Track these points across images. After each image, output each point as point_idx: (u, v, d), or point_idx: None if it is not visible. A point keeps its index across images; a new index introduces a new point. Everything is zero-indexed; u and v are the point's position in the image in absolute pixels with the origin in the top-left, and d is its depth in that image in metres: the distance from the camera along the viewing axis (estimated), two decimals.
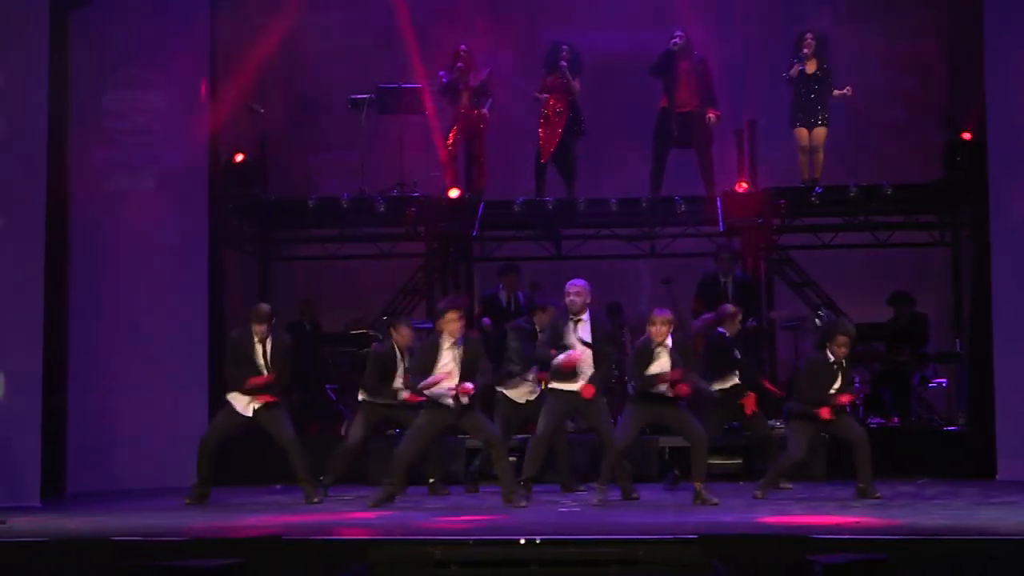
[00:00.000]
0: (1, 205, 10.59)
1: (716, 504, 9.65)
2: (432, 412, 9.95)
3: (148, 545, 7.78)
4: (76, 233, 11.83)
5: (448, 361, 9.87)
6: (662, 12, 14.49)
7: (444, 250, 13.96)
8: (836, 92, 13.28)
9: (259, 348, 10.42)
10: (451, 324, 9.91)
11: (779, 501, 9.95)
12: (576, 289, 10.15)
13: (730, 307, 11.25)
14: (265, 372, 10.37)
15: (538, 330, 10.78)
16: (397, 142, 13.93)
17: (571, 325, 10.09)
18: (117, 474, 11.85)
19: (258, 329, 10.40)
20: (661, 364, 9.85)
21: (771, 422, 11.31)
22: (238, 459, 11.44)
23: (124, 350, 12.00)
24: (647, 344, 9.90)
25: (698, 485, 9.84)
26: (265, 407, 10.34)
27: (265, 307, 10.64)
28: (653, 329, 9.87)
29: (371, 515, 9.36)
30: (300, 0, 14.31)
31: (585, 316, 10.12)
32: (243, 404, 10.38)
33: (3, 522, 8.81)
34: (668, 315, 9.96)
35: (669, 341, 9.86)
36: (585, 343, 10.02)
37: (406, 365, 10.65)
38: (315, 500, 10.30)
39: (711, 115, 13.50)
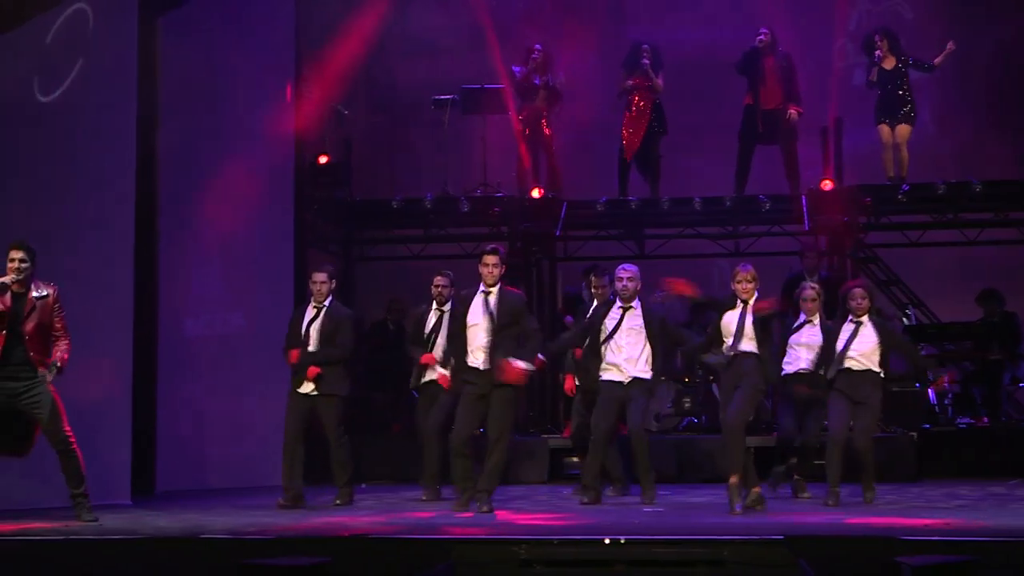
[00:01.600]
0: (93, 206, 10.75)
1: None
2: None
3: (236, 543, 7.86)
4: (165, 233, 12.02)
5: (479, 313, 9.36)
6: (745, 10, 14.44)
7: (528, 250, 13.98)
8: (937, 60, 13.14)
9: (310, 314, 10.05)
10: (485, 268, 9.38)
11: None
12: (629, 274, 9.94)
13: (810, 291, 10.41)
14: (313, 345, 9.94)
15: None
16: (480, 142, 13.98)
17: (618, 312, 9.88)
18: (206, 473, 12.00)
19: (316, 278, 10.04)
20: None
21: None
22: (323, 458, 11.47)
23: (212, 350, 12.15)
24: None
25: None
26: (324, 397, 9.97)
27: (327, 266, 10.28)
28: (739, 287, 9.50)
29: (456, 514, 9.37)
30: (384, 2, 14.41)
31: (635, 304, 9.90)
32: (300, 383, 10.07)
33: (95, 520, 8.95)
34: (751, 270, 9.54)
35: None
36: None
37: None
38: (337, 502, 10.06)
39: (792, 111, 13.42)
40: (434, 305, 10.76)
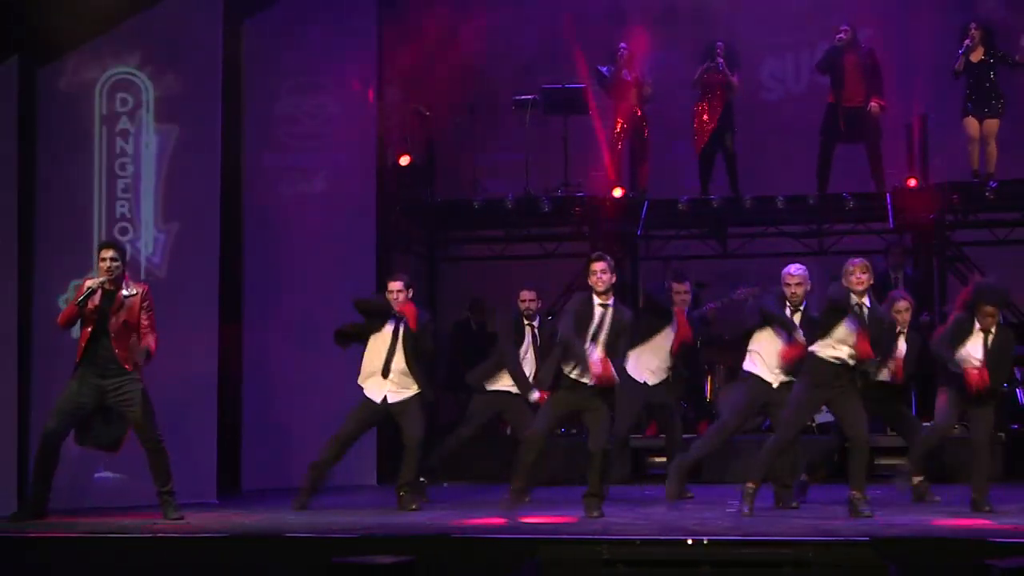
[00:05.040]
0: (178, 210, 10.88)
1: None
2: (566, 391, 9.18)
3: (320, 541, 7.93)
4: (249, 236, 12.14)
5: (596, 323, 9.03)
6: (829, 8, 14.30)
7: (610, 249, 13.90)
8: (1019, 57, 12.90)
9: (390, 325, 9.91)
10: (594, 276, 9.01)
11: (954, 504, 9.69)
12: (798, 279, 9.44)
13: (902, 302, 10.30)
14: (392, 350, 9.85)
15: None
16: (561, 142, 13.97)
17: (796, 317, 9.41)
18: (291, 471, 12.05)
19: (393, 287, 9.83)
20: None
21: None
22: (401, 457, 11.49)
23: (296, 350, 12.22)
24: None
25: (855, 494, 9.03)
26: (401, 399, 9.87)
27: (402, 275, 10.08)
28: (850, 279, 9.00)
29: (540, 514, 9.37)
30: (465, 3, 14.44)
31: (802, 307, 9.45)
32: (376, 390, 9.99)
33: (181, 518, 9.06)
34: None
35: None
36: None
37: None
38: (412, 507, 9.74)
39: (874, 103, 13.25)
40: (525, 321, 10.56)
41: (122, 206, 10.84)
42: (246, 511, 9.86)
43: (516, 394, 10.41)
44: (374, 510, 9.88)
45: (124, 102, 10.96)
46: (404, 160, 13.81)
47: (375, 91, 13.01)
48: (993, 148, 13.06)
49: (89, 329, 9.06)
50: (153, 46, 10.99)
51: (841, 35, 13.36)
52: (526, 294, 10.55)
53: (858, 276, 9.00)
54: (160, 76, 11.00)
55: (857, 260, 9.11)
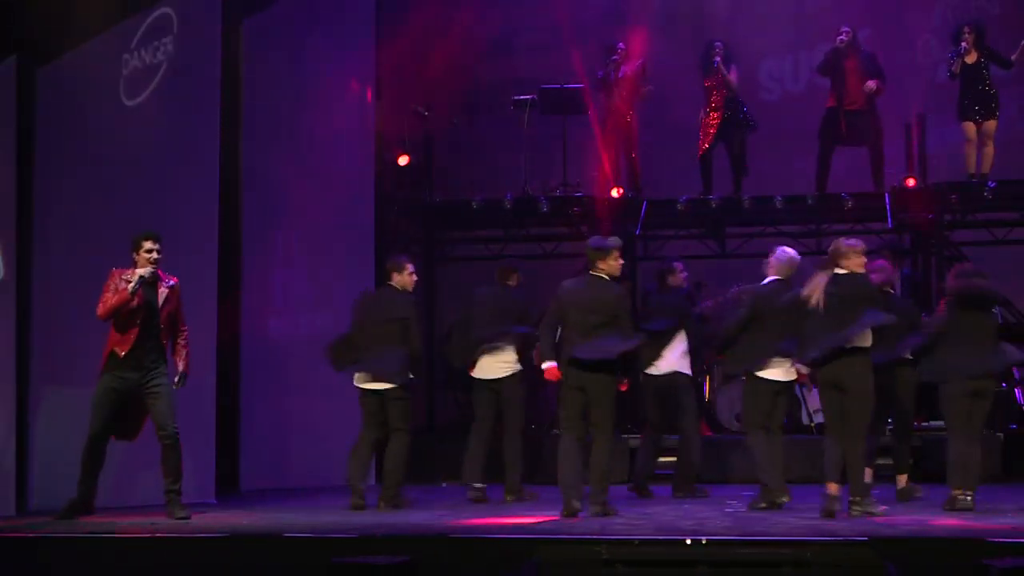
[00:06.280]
0: (177, 210, 10.87)
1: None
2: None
3: (318, 541, 7.93)
4: (247, 236, 12.14)
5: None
6: (828, 8, 14.32)
7: None
8: (1014, 56, 12.87)
9: None
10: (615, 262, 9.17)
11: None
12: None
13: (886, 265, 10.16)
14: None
15: None
16: (560, 142, 13.98)
17: None
18: (290, 472, 12.09)
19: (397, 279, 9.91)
20: None
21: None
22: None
23: (295, 350, 12.24)
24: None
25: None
26: (393, 389, 9.88)
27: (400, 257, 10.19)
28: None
29: (539, 514, 9.37)
30: (464, 3, 14.45)
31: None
32: (366, 380, 10.00)
33: (187, 517, 9.05)
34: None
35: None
36: None
37: None
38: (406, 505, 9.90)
39: (872, 82, 13.22)
40: None
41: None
42: (246, 511, 9.86)
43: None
44: (374, 510, 9.87)
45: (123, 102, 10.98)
46: (403, 160, 13.84)
47: (374, 91, 13.01)
48: (991, 149, 13.07)
49: (137, 324, 9.00)
50: (152, 46, 10.99)
51: (842, 37, 13.34)
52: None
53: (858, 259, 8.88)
54: (159, 76, 11.01)
55: (856, 243, 8.93)
